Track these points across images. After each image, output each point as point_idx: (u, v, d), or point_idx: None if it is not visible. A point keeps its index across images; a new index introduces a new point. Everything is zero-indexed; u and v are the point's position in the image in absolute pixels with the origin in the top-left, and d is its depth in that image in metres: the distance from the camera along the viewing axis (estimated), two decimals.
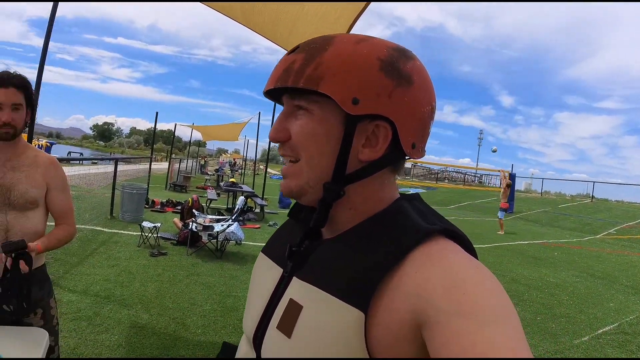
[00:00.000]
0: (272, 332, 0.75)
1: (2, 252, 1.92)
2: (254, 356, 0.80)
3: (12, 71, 2.10)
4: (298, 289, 0.74)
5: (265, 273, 0.86)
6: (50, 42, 4.54)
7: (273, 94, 0.83)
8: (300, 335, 0.69)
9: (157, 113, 20.52)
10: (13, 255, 1.92)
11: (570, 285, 8.43)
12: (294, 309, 0.72)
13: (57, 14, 4.37)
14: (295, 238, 0.82)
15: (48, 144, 44.17)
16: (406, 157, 0.78)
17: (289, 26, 3.49)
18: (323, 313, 0.68)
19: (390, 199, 0.78)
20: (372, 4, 2.83)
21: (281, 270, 0.82)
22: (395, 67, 0.72)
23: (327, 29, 3.13)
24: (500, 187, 17.64)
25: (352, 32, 3.15)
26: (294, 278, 0.76)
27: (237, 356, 0.90)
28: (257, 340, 0.79)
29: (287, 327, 0.72)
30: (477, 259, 0.70)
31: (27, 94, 2.11)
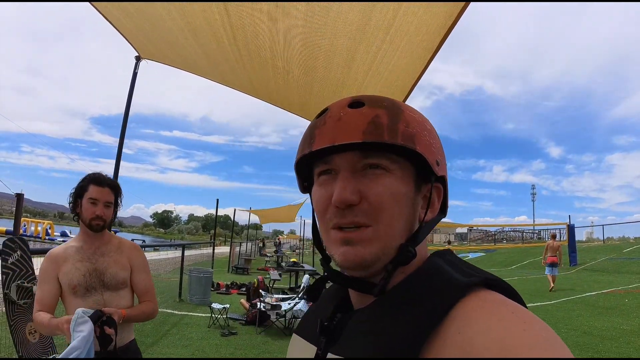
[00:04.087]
0: None
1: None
2: None
3: (104, 174, 2.50)
4: None
5: (300, 354, 0.81)
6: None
7: (319, 155, 0.74)
8: None
9: (217, 200, 21.35)
10: (99, 324, 2.14)
11: None
12: None
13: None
14: (326, 313, 0.78)
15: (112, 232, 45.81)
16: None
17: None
18: None
19: (423, 258, 0.74)
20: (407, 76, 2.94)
21: (315, 348, 0.76)
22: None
23: None
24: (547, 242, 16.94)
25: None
26: (329, 354, 0.71)
27: None
28: None
29: None
30: (525, 306, 0.64)
31: (117, 194, 2.49)
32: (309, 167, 0.80)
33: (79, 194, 2.38)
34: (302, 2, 2.43)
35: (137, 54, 4.20)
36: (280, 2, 2.47)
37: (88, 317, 2.08)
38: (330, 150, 0.70)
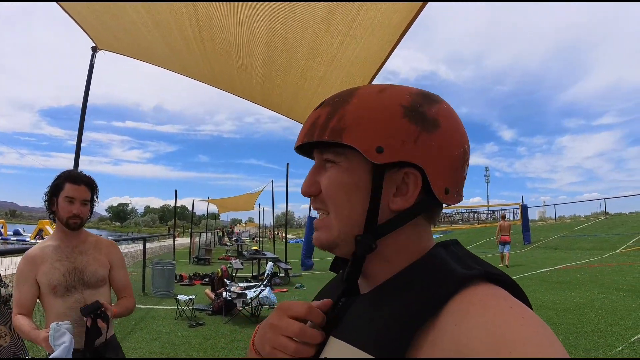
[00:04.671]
0: None
1: (82, 315, 2.19)
2: None
3: (79, 171, 2.50)
4: (332, 347, 0.71)
5: None
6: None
7: (304, 150, 0.83)
8: None
9: (176, 191, 21.08)
10: (92, 316, 2.18)
11: (597, 302, 8.48)
12: None
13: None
14: (334, 297, 0.80)
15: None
16: (442, 204, 0.76)
17: (307, 101, 3.80)
18: None
19: (426, 249, 0.74)
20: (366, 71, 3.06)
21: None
22: (420, 112, 0.71)
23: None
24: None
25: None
26: (331, 337, 0.72)
27: None
28: None
29: None
30: (529, 303, 0.65)
31: (93, 192, 2.46)
32: None
33: (54, 192, 2.35)
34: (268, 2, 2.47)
35: (93, 45, 4.10)
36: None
37: (81, 309, 2.14)
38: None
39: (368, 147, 0.68)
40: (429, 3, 2.19)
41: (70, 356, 1.99)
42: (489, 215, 46.28)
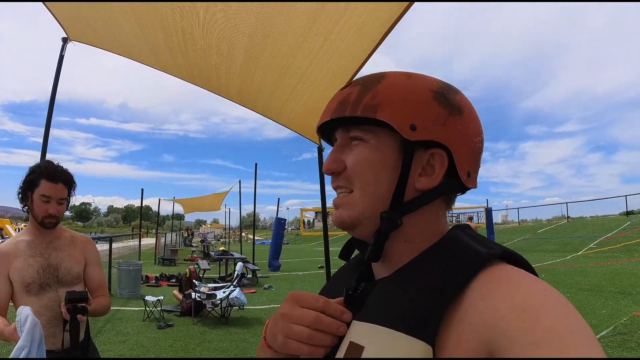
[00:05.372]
0: None
1: (68, 299, 2.08)
2: None
3: (56, 163, 2.32)
4: (358, 330, 0.68)
5: None
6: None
7: (325, 132, 0.85)
8: None
9: (142, 190, 20.69)
10: (73, 307, 2.07)
11: None
12: (355, 350, 0.66)
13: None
14: (351, 282, 0.79)
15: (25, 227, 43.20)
16: (460, 189, 0.78)
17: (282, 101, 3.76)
18: (386, 350, 0.63)
19: (444, 231, 0.76)
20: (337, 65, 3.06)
21: None
22: (447, 97, 0.74)
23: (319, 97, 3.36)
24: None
25: None
26: (353, 321, 0.70)
27: None
28: None
29: None
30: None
31: (70, 190, 2.33)
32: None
33: (28, 187, 2.22)
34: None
35: (64, 36, 3.95)
36: None
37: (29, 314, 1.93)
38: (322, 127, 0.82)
39: (402, 124, 0.70)
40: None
41: (36, 343, 1.84)
42: (454, 218, 47.15)
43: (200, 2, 2.63)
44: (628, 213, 29.69)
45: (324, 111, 0.79)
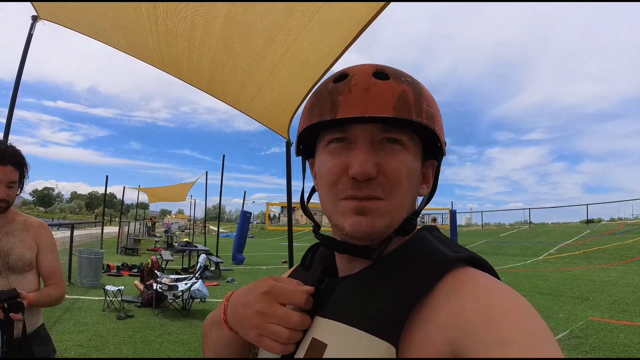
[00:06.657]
0: None
1: None
2: None
3: (7, 144, 2.18)
4: (321, 327, 0.68)
5: None
6: None
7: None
8: None
9: (107, 177, 20.31)
10: (6, 306, 1.97)
11: None
12: (318, 347, 0.66)
13: None
14: (310, 280, 0.77)
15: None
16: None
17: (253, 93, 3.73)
18: (349, 349, 0.62)
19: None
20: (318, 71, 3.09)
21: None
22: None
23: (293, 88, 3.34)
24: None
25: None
26: (316, 317, 0.70)
27: None
28: None
29: None
30: None
31: (21, 172, 2.20)
32: (316, 132, 0.77)
33: None
34: None
35: (34, 14, 3.82)
36: None
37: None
38: (351, 119, 0.67)
39: (443, 140, 0.73)
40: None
41: None
42: (418, 219, 47.95)
43: None
44: (588, 221, 30.76)
45: (361, 100, 0.66)
